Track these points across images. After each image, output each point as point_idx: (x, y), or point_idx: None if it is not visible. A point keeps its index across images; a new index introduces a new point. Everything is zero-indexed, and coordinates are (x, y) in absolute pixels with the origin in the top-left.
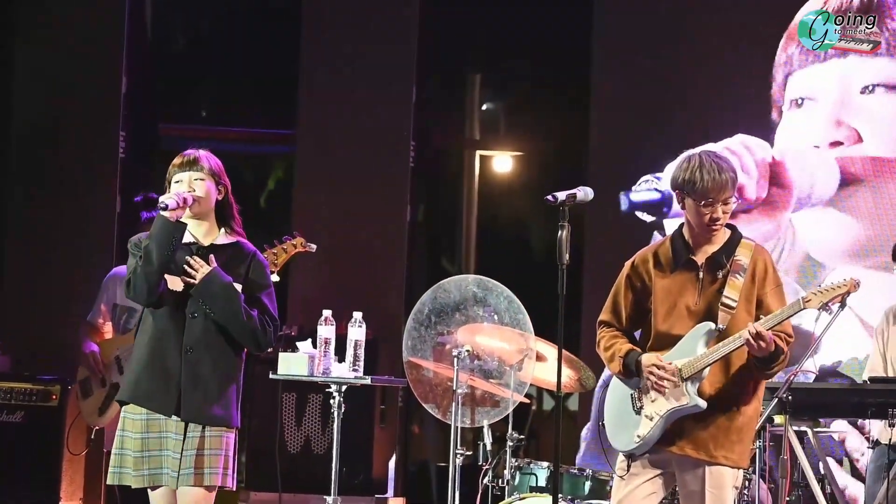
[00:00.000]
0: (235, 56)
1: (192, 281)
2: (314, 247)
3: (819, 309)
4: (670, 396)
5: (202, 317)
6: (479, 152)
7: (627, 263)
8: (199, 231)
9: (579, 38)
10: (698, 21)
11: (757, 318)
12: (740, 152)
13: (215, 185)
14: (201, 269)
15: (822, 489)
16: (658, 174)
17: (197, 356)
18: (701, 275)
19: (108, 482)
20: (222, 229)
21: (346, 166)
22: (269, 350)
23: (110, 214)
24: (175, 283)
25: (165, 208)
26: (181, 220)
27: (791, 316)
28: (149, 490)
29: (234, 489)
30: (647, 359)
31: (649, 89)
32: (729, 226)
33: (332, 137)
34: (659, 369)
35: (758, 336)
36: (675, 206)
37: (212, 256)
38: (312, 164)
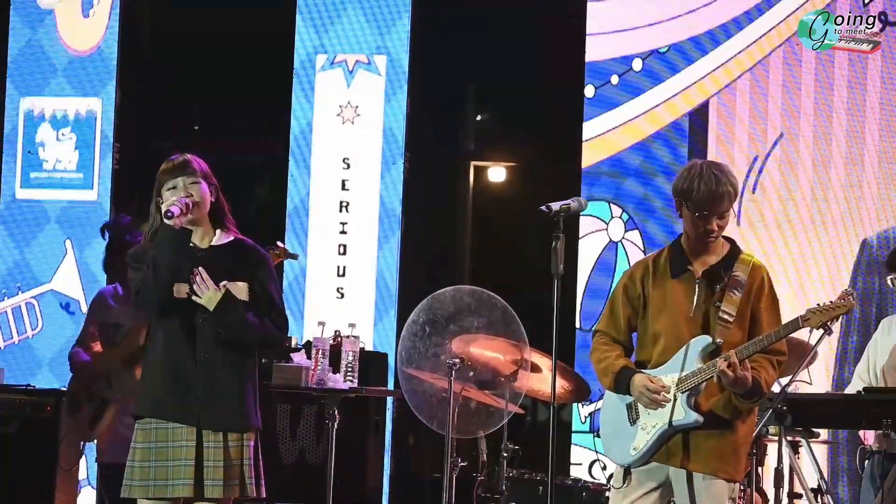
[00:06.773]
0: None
1: (197, 299)
2: (297, 255)
3: (818, 328)
4: (668, 411)
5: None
6: (473, 163)
7: (625, 272)
8: (196, 235)
9: (573, 48)
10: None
11: (751, 335)
12: None
13: (208, 186)
14: (208, 291)
15: (818, 500)
16: None
17: (212, 361)
18: (698, 286)
19: (121, 495)
20: (218, 230)
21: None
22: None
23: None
24: (179, 291)
25: (171, 216)
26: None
27: (790, 334)
28: (146, 501)
29: (263, 497)
30: (639, 380)
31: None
32: (728, 239)
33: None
34: (650, 391)
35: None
36: None
37: (224, 283)
38: (304, 175)
